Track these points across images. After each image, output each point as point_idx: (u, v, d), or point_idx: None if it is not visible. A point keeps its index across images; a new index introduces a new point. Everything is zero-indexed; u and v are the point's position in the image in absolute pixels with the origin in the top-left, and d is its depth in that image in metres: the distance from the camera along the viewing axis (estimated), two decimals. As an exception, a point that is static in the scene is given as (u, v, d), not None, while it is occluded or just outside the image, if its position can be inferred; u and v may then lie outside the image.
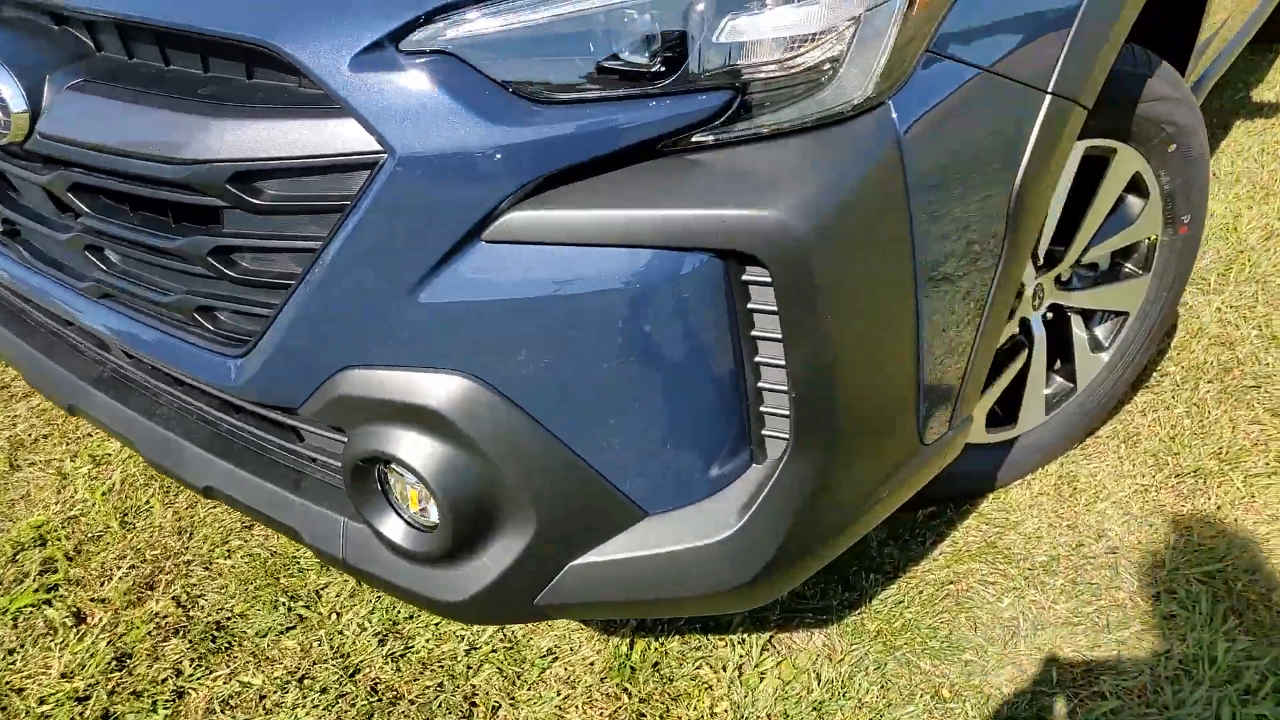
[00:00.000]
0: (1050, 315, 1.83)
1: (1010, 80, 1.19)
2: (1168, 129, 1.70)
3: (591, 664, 1.63)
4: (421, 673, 1.62)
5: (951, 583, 1.74)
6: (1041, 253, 1.69)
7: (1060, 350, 1.90)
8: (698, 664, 1.61)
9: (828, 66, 1.04)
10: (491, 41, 1.02)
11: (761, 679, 1.59)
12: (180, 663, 1.66)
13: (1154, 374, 2.19)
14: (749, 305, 1.10)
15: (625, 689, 1.58)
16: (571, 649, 1.65)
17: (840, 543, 1.35)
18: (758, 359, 1.14)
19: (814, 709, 1.54)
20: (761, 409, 1.18)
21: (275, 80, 1.10)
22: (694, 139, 1.06)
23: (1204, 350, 2.25)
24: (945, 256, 1.21)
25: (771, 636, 1.65)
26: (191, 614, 1.76)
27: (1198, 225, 1.88)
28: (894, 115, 1.08)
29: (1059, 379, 1.93)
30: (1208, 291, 2.47)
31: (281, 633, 1.71)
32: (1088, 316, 1.92)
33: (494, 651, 1.65)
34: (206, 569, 1.85)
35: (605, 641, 1.65)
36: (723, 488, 1.22)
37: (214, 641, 1.70)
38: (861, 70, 1.06)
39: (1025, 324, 1.79)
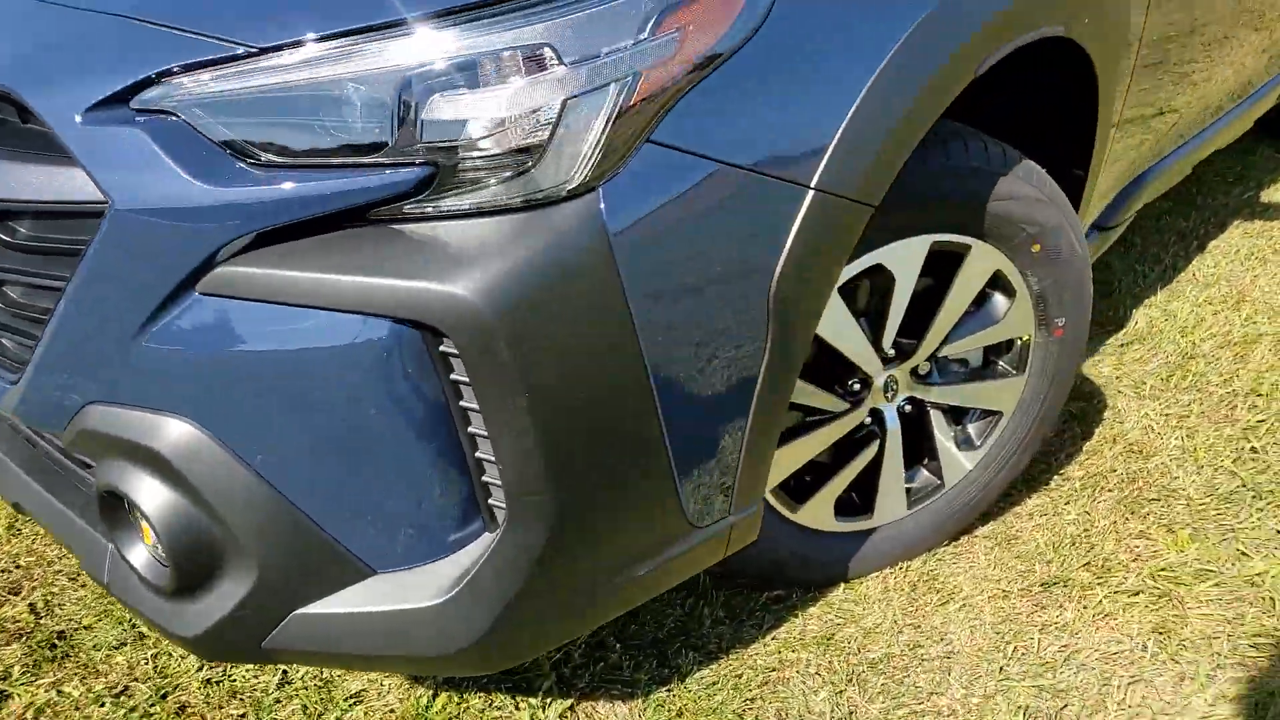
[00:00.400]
0: (910, 408, 1.80)
1: (758, 174, 1.19)
2: (1028, 229, 1.66)
3: (393, 711, 1.64)
4: (229, 700, 1.66)
5: (774, 670, 1.71)
6: (887, 345, 1.66)
7: (926, 445, 1.86)
8: (490, 725, 1.61)
9: (532, 150, 1.07)
10: (214, 104, 1.08)
11: (552, 747, 1.59)
12: (12, 668, 1.72)
13: (1055, 478, 2.12)
14: (452, 377, 1.12)
15: (417, 742, 1.60)
16: (379, 694, 1.67)
17: (588, 617, 1.34)
18: (470, 429, 1.16)
19: (593, 784, 1.53)
20: (484, 479, 1.19)
21: (42, 127, 1.17)
22: (404, 209, 1.09)
23: (1114, 458, 2.17)
24: (684, 348, 1.20)
25: (574, 704, 1.64)
26: (42, 621, 1.83)
27: (1077, 329, 1.83)
28: (602, 205, 1.09)
29: (926, 473, 1.89)
30: (1143, 396, 2.39)
31: (115, 647, 1.77)
32: (958, 413, 1.87)
33: (305, 688, 1.68)
34: (73, 580, 1.92)
35: (410, 691, 1.67)
36: (456, 552, 1.24)
37: (52, 650, 1.76)
38: (568, 157, 1.07)
39: (878, 414, 1.76)
